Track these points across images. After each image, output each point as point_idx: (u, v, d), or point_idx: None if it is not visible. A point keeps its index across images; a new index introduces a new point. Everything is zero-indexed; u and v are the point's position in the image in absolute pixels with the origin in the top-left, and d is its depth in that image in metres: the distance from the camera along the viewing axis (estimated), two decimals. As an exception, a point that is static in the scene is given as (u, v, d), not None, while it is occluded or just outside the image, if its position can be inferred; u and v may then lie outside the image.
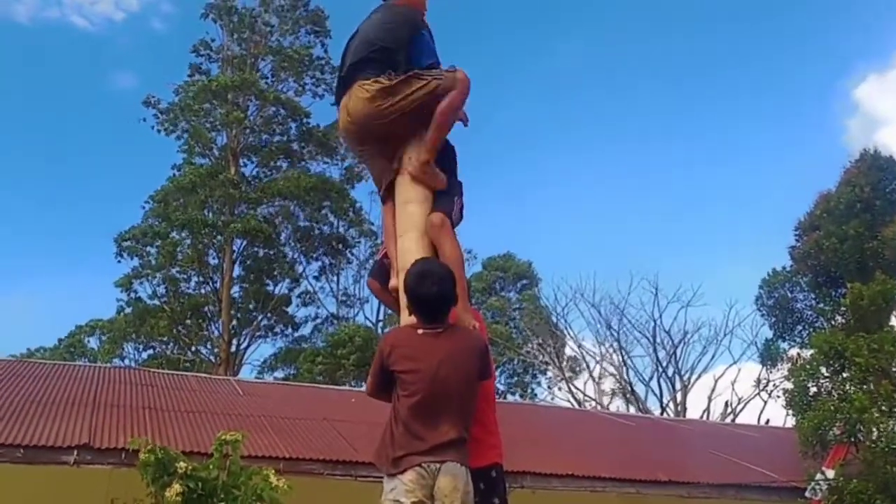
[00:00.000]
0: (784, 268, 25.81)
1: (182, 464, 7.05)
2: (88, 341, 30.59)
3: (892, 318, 24.09)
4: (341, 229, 30.94)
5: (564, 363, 29.08)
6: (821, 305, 24.68)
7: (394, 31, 4.18)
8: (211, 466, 7.30)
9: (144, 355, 29.82)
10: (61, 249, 43.09)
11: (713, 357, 26.13)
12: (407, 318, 3.75)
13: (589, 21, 47.11)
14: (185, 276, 29.40)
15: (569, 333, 27.97)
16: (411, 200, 4.11)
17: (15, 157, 40.51)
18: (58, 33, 42.17)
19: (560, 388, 29.08)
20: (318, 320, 31.18)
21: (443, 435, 3.35)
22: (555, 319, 27.98)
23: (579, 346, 28.03)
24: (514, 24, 43.84)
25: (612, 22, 47.35)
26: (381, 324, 31.10)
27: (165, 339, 29.29)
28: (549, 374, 29.27)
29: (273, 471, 7.41)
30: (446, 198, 4.17)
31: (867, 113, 52.50)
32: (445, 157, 4.31)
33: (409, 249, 3.95)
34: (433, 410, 3.38)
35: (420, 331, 3.55)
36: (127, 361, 29.72)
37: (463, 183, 4.43)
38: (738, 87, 46.07)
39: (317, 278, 31.29)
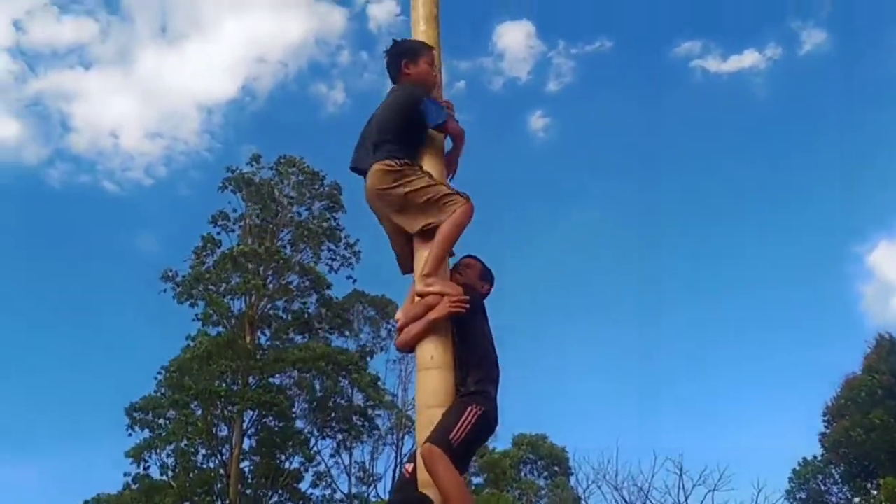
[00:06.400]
0: (815, 456, 25.93)
1: None
2: (94, 516, 29.06)
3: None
4: (359, 401, 30.36)
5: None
6: (856, 500, 24.52)
7: (396, 117, 4.54)
8: None
9: (148, 534, 28.32)
10: (71, 418, 41.69)
11: (743, 547, 25.42)
12: None
13: (605, 192, 48.07)
14: (193, 450, 28.41)
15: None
16: (431, 405, 4.03)
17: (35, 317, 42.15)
18: (86, 197, 44.50)
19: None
20: (333, 502, 30.05)
21: None
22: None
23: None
24: (532, 195, 44.93)
25: (628, 190, 48.12)
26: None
27: (172, 515, 27.92)
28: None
29: None
30: (452, 412, 3.96)
31: (882, 280, 52.95)
32: (470, 333, 4.28)
33: None
34: None
35: None
36: (129, 540, 28.25)
37: (494, 378, 4.27)
38: (753, 253, 46.92)
39: (333, 455, 30.41)
